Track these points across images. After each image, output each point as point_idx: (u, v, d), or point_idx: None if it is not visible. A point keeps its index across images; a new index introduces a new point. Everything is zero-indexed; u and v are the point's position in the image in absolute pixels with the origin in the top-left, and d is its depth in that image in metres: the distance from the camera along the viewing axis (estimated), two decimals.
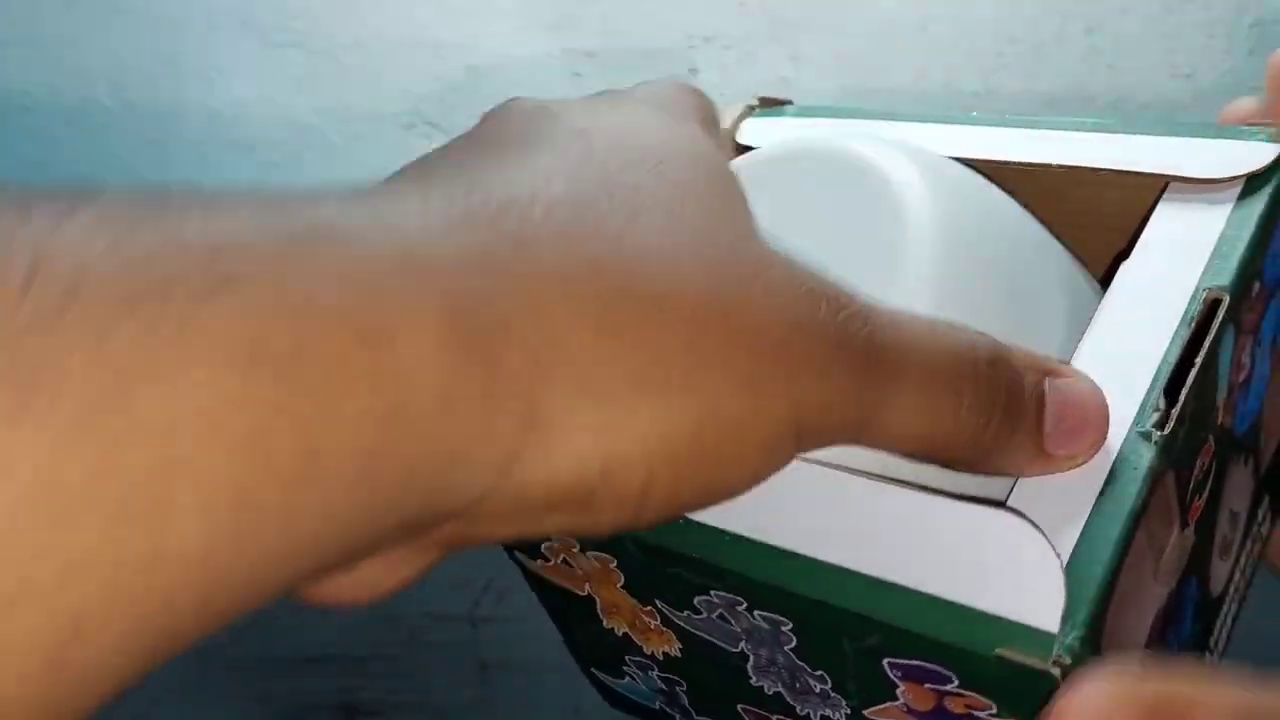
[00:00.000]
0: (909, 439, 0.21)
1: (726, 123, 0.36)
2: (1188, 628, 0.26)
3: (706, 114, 0.24)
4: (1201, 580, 0.26)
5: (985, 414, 0.21)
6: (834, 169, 0.27)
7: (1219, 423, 0.25)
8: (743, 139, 0.35)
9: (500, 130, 0.21)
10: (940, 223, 0.25)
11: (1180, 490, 0.24)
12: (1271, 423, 0.29)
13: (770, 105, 0.37)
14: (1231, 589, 0.29)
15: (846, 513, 0.23)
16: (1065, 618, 0.20)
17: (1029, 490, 0.22)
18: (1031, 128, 0.30)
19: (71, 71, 0.66)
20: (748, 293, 0.19)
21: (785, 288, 0.19)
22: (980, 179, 0.29)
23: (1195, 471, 0.25)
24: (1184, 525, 0.25)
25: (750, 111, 0.36)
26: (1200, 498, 0.25)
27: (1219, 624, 0.29)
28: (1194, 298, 0.25)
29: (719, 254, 0.19)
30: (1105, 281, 0.28)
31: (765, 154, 0.30)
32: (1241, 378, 0.26)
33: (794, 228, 0.25)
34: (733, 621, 0.25)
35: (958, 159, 0.29)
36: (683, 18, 0.67)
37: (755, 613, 0.24)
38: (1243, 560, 0.29)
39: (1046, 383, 0.22)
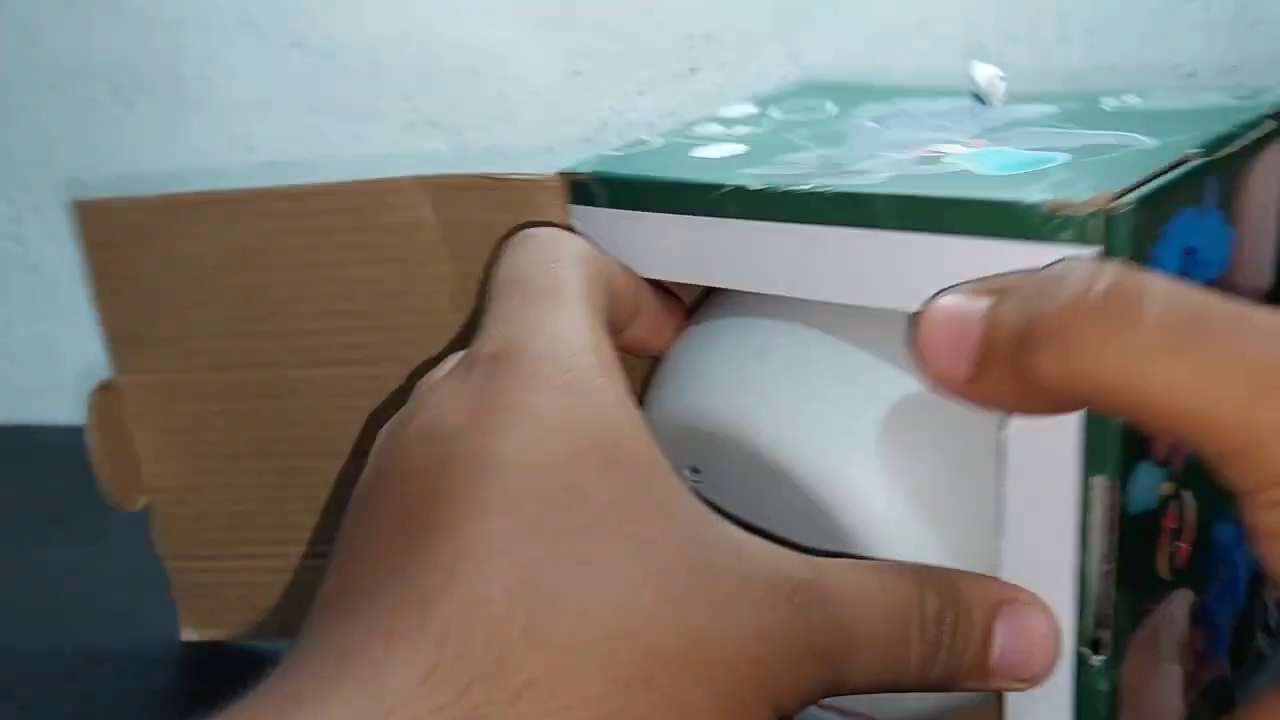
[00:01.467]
0: (865, 688, 0.23)
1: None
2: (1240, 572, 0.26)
3: (599, 300, 0.26)
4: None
5: (930, 658, 0.23)
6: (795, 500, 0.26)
7: (1176, 493, 0.25)
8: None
9: (406, 503, 0.21)
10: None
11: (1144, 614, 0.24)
12: None
13: (579, 186, 0.31)
14: None
15: None
16: None
17: None
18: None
19: (70, 71, 0.66)
20: (722, 624, 0.20)
21: (749, 592, 0.21)
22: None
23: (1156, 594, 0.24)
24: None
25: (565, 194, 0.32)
26: (1184, 548, 0.25)
27: None
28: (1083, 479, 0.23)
29: (679, 593, 0.20)
30: None
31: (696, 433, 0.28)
32: None
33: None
34: None
35: None
36: (683, 17, 0.67)
37: None
38: None
39: (998, 614, 0.24)
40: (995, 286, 0.22)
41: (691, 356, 0.30)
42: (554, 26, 0.67)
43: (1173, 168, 0.23)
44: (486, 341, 0.24)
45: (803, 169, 0.27)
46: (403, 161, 0.68)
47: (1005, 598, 0.24)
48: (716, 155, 0.30)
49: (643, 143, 0.33)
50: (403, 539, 0.20)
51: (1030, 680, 0.24)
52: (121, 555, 0.49)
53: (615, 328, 0.28)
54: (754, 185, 0.27)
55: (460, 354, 0.25)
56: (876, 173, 0.26)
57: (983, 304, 0.22)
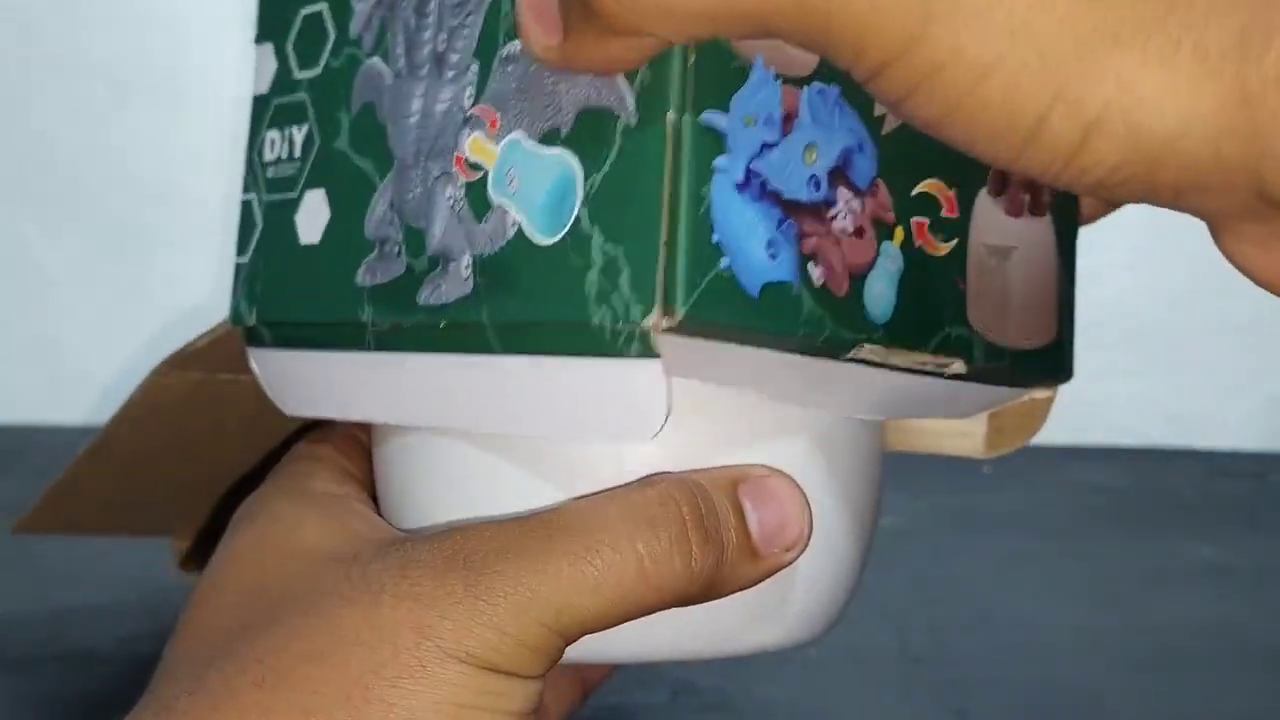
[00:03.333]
0: (618, 617, 0.23)
1: None
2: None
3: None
4: None
5: (679, 559, 0.23)
6: None
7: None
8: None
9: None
10: None
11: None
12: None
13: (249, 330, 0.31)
14: None
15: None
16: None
17: None
18: None
19: (71, 70, 0.66)
20: (376, 612, 0.24)
21: (402, 585, 0.23)
22: None
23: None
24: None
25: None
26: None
27: None
28: None
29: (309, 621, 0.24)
30: None
31: None
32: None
33: None
34: None
35: None
36: None
37: None
38: None
39: (740, 490, 0.24)
40: None
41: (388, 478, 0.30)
42: None
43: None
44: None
45: (392, 258, 0.27)
46: None
47: (738, 474, 0.24)
48: (315, 237, 0.29)
49: (250, 222, 0.32)
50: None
51: (795, 544, 0.24)
52: (118, 556, 0.49)
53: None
54: (371, 319, 0.27)
55: None
56: (451, 251, 0.26)
57: None
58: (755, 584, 0.24)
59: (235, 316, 0.31)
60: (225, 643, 0.24)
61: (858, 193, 0.24)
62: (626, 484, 0.24)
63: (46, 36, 0.66)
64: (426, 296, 0.26)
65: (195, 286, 0.69)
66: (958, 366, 0.26)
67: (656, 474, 0.24)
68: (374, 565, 0.24)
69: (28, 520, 0.40)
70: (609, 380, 0.23)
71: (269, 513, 0.27)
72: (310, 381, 0.30)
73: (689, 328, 0.22)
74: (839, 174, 0.24)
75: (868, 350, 0.24)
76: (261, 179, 0.32)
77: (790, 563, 0.24)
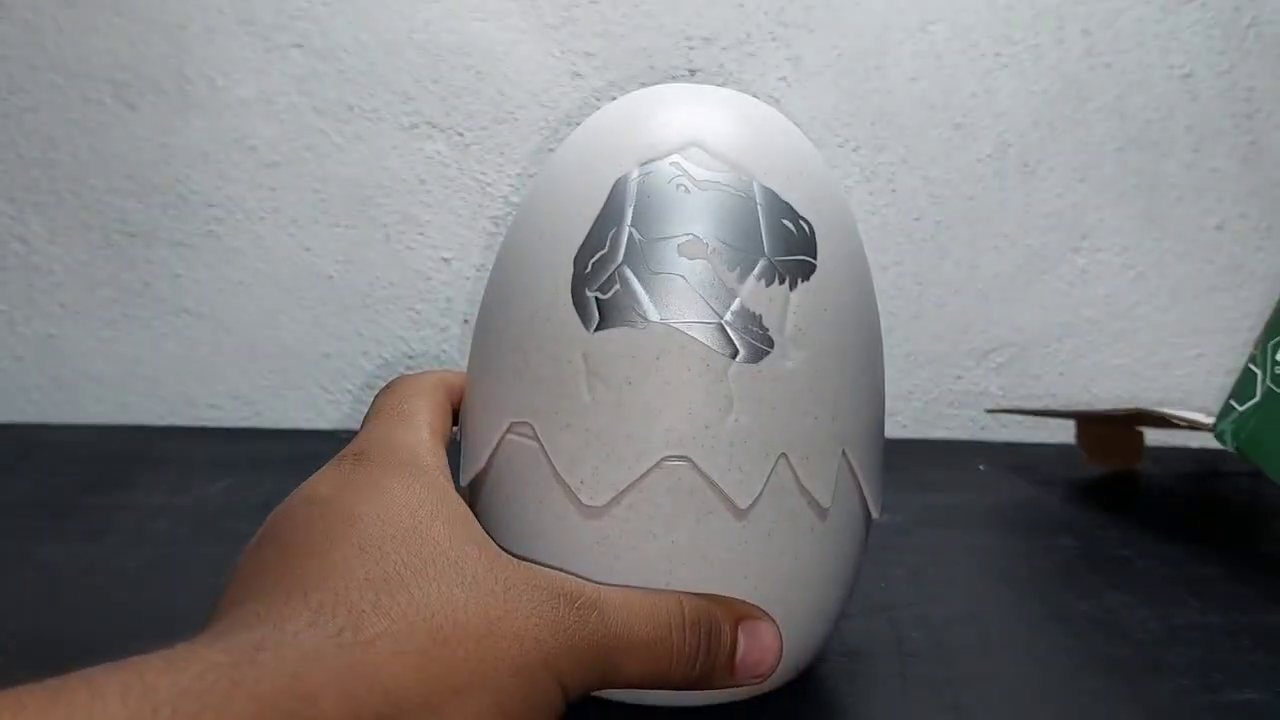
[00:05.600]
0: (639, 682, 0.30)
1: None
2: None
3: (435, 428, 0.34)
4: None
5: (691, 661, 0.31)
6: None
7: None
8: None
9: (288, 542, 0.29)
10: None
11: None
12: None
13: None
14: None
15: None
16: None
17: None
18: None
19: (73, 72, 0.67)
20: (514, 613, 0.28)
21: (536, 596, 0.29)
22: None
23: None
24: None
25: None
26: None
27: None
28: None
29: (483, 593, 0.28)
30: None
31: None
32: None
33: None
34: None
35: None
36: (682, 18, 0.68)
37: None
38: None
39: (740, 628, 0.32)
40: None
41: None
42: (554, 27, 0.67)
43: None
44: (353, 446, 0.33)
45: None
46: (404, 162, 0.69)
47: (744, 613, 0.32)
48: None
49: (1251, 383, 0.44)
50: (286, 563, 0.28)
51: (761, 678, 0.32)
52: (121, 554, 0.49)
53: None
54: None
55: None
56: None
57: None
58: (717, 689, 0.32)
59: (1218, 435, 0.42)
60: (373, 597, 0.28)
61: None
62: (661, 589, 0.32)
63: (50, 38, 0.66)
64: None
65: (195, 287, 0.69)
66: None
67: (689, 593, 0.32)
68: (522, 606, 0.28)
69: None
70: None
71: (422, 471, 0.31)
72: None
73: None
74: None
75: None
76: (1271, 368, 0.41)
77: (751, 684, 0.33)
